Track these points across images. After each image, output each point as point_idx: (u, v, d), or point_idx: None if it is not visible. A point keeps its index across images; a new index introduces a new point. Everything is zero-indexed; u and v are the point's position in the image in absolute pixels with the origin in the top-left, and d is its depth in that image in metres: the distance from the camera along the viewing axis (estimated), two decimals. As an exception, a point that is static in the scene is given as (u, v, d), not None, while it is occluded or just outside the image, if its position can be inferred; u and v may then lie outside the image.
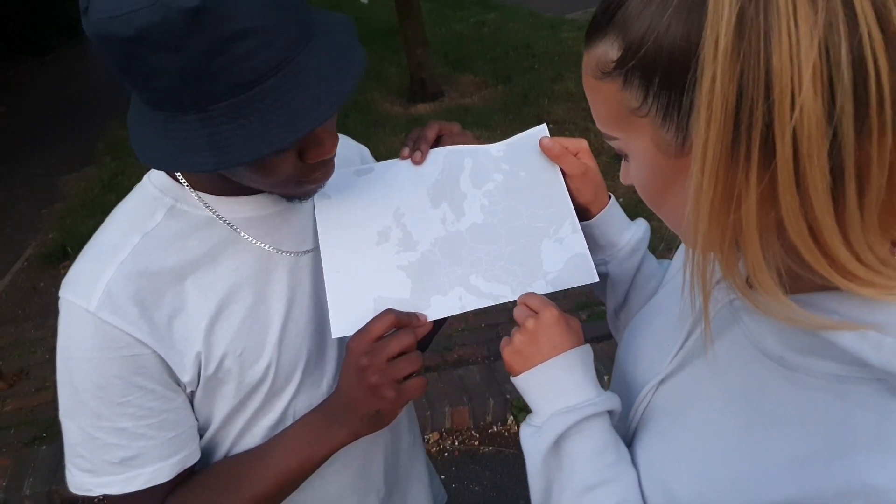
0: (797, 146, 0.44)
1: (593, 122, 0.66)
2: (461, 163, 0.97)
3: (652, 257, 1.04)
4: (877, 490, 0.48)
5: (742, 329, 0.65)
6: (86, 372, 0.79)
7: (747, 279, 0.54)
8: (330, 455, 0.90)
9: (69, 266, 0.85)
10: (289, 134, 0.68)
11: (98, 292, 0.78)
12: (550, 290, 0.94)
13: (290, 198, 0.88)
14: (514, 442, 2.79)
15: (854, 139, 0.45)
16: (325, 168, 0.82)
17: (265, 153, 0.68)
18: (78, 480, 0.83)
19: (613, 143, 0.61)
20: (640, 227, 1.02)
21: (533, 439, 0.78)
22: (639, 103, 0.54)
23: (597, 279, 0.96)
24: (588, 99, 0.62)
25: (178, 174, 0.85)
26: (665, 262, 1.04)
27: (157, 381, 0.81)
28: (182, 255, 0.83)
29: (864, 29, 0.43)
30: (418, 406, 2.81)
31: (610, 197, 1.01)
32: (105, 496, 0.82)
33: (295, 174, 0.79)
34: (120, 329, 0.78)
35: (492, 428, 2.87)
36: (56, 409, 0.84)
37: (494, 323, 3.38)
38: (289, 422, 0.92)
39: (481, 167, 0.98)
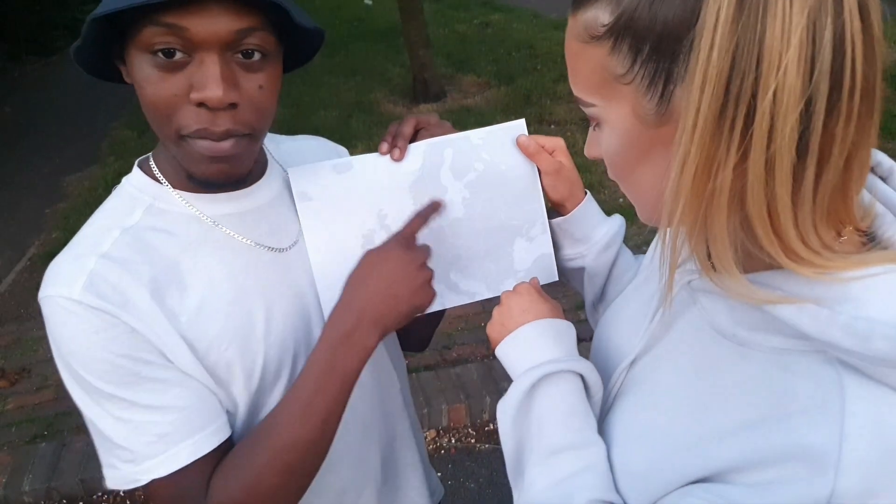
0: (773, 119, 0.46)
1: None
2: (441, 155, 0.97)
3: (627, 251, 1.05)
4: (812, 449, 0.51)
5: (698, 310, 0.67)
6: (90, 360, 0.77)
7: (708, 256, 0.56)
8: (358, 371, 0.85)
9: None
10: None
11: (81, 281, 0.77)
12: None
13: (190, 177, 0.84)
14: None
15: (823, 120, 0.47)
16: (209, 119, 0.76)
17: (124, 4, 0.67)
18: (121, 474, 0.81)
19: (589, 110, 0.62)
20: (616, 222, 1.03)
21: (503, 400, 0.80)
22: (625, 70, 0.55)
23: (556, 279, 1.03)
24: (568, 64, 0.62)
25: (158, 174, 0.86)
26: (641, 255, 1.05)
27: (163, 357, 0.80)
28: (162, 250, 0.84)
29: (847, 15, 0.45)
30: (414, 404, 2.78)
31: (586, 193, 1.02)
32: (152, 488, 0.79)
33: (174, 108, 0.75)
34: (109, 313, 0.77)
35: (488, 426, 2.87)
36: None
37: None
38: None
39: (462, 157, 0.98)
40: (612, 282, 1.03)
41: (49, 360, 3.49)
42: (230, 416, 0.88)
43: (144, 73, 0.74)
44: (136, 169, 0.89)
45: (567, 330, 0.85)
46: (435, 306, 0.97)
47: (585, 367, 0.79)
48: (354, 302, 0.85)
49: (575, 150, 4.16)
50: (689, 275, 0.69)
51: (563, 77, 6.54)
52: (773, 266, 0.55)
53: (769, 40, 0.45)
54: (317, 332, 0.96)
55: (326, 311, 0.93)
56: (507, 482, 0.81)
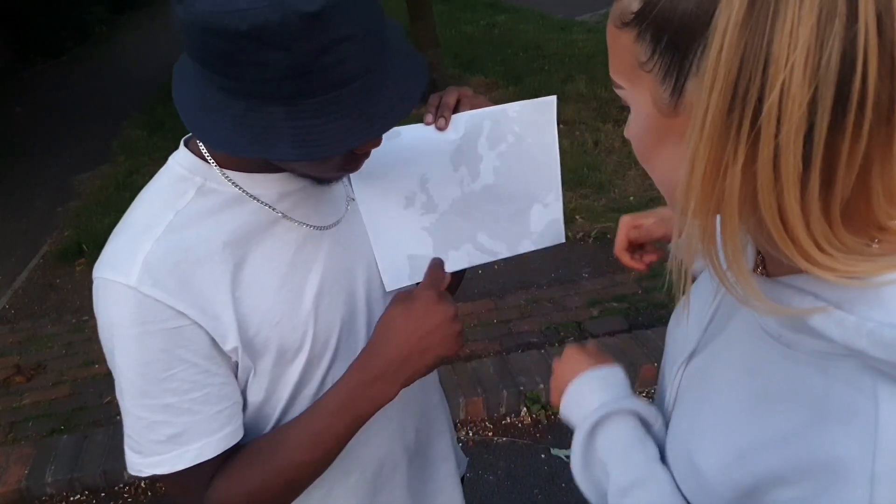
0: (779, 125, 0.46)
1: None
2: (481, 126, 1.03)
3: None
4: (846, 461, 0.50)
5: (750, 310, 0.66)
6: (130, 349, 0.80)
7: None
8: (371, 415, 0.89)
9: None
10: (370, 131, 0.74)
11: (137, 267, 0.79)
12: (533, 248, 1.11)
13: (320, 181, 0.91)
14: (528, 433, 2.81)
15: (826, 133, 0.46)
16: (366, 156, 0.87)
17: (349, 148, 0.73)
18: (129, 462, 0.86)
19: (620, 93, 0.63)
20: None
21: (571, 457, 0.85)
22: (646, 58, 0.56)
23: (563, 241, 1.13)
24: (608, 46, 0.64)
25: (206, 154, 0.87)
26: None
27: (201, 353, 0.83)
28: (215, 229, 0.85)
29: (861, 28, 0.43)
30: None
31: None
32: (155, 478, 0.83)
33: (340, 162, 0.83)
34: (161, 302, 0.79)
35: (505, 419, 2.88)
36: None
37: (506, 319, 3.39)
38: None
39: (497, 128, 1.04)
40: None
41: (64, 357, 3.52)
42: (250, 391, 0.92)
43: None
44: (182, 148, 0.89)
45: (613, 375, 0.89)
46: (463, 264, 1.08)
47: (637, 404, 0.82)
48: (385, 350, 0.88)
49: (584, 148, 4.18)
50: None
51: (571, 77, 6.62)
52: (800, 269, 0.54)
53: (777, 45, 0.45)
54: (361, 309, 0.99)
55: (381, 264, 1.03)
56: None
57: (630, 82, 0.60)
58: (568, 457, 2.65)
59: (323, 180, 0.92)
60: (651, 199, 4.48)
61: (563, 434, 2.78)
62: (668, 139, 0.59)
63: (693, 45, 0.51)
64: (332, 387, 0.90)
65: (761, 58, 0.45)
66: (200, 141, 0.78)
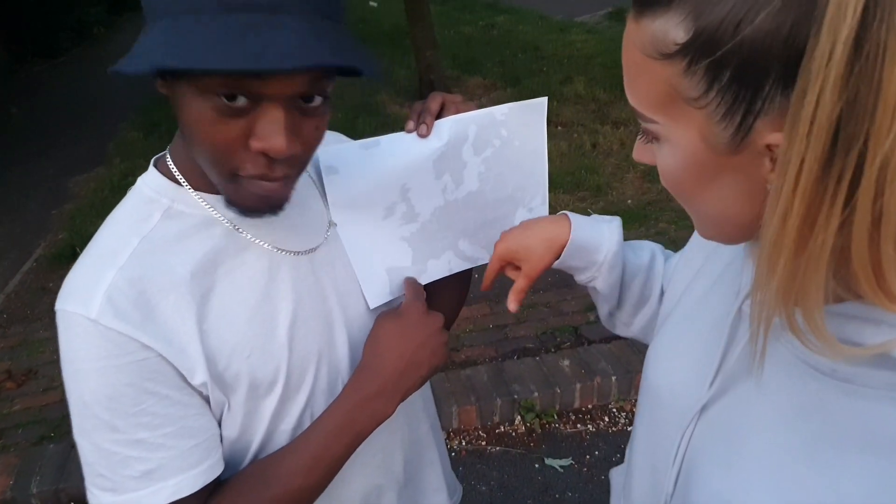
0: (885, 173, 0.41)
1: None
2: (465, 132, 0.99)
3: (630, 250, 1.01)
4: None
5: (786, 346, 0.60)
6: (95, 384, 0.75)
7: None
8: (371, 433, 0.89)
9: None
10: (244, 55, 0.62)
11: (98, 299, 0.75)
12: None
13: (231, 203, 0.79)
14: (522, 442, 2.78)
15: None
16: (267, 166, 0.74)
17: (222, 66, 0.62)
18: (101, 501, 0.80)
19: (648, 126, 0.56)
20: (612, 237, 0.96)
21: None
22: (698, 94, 0.49)
23: None
24: (626, 73, 0.56)
25: (177, 173, 0.82)
26: (639, 243, 1.03)
27: (170, 385, 0.78)
28: (182, 256, 0.81)
29: None
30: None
31: (569, 221, 0.95)
32: None
33: (232, 152, 0.72)
34: (125, 334, 0.75)
35: (499, 428, 2.85)
36: (64, 409, 0.82)
37: (502, 324, 3.37)
38: (307, 424, 0.90)
39: (484, 133, 1.00)
40: (625, 288, 1.01)
41: (56, 362, 3.46)
42: (231, 424, 0.87)
43: (199, 110, 0.70)
44: (151, 168, 0.85)
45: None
46: (442, 272, 1.06)
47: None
48: (380, 366, 0.89)
49: (582, 150, 4.16)
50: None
51: (570, 79, 6.62)
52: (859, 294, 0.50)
53: (886, 90, 0.39)
54: (339, 336, 0.94)
55: (362, 280, 0.98)
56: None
57: (670, 118, 0.53)
58: (562, 467, 2.66)
59: (232, 203, 0.80)
60: (649, 202, 4.46)
61: (558, 444, 2.75)
62: (721, 177, 0.53)
63: (766, 81, 0.45)
64: (327, 409, 0.88)
65: (869, 104, 0.40)
66: (121, 70, 0.69)
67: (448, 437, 2.81)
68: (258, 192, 0.76)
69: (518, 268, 0.99)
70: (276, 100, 0.70)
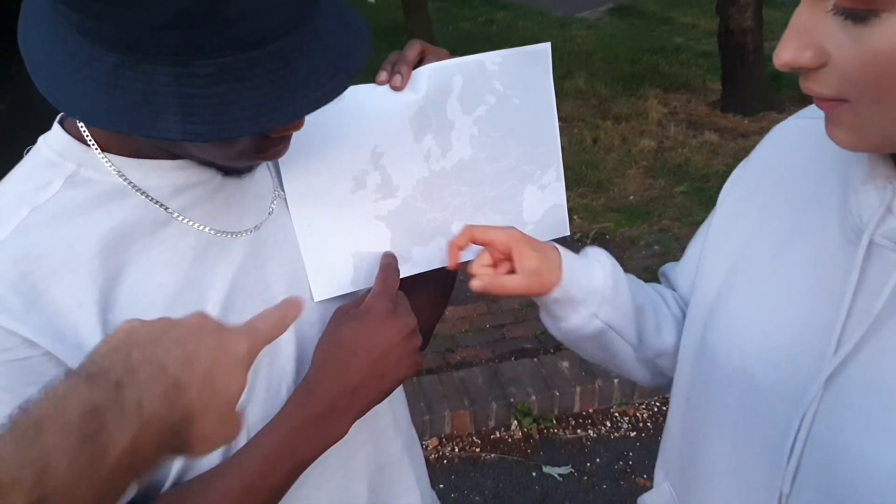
0: None
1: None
2: (449, 82, 0.83)
3: (633, 282, 0.90)
4: None
5: None
6: None
7: None
8: (315, 459, 0.75)
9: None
10: (287, 111, 0.59)
11: None
12: None
13: (227, 171, 0.73)
14: (518, 449, 2.73)
15: None
16: (286, 142, 0.71)
17: (258, 131, 0.59)
18: None
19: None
20: (602, 254, 0.86)
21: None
22: None
23: (568, 232, 0.94)
24: None
25: (86, 132, 0.69)
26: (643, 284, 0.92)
27: None
28: (84, 231, 0.67)
29: None
30: (415, 410, 2.71)
31: (557, 249, 0.84)
32: None
33: (251, 148, 0.67)
34: (2, 327, 0.61)
35: (494, 434, 2.79)
36: None
37: (500, 324, 3.29)
38: (243, 440, 0.75)
39: (473, 86, 0.85)
40: (640, 320, 0.87)
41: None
42: None
43: (214, 147, 0.66)
44: (56, 126, 0.71)
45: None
46: (433, 263, 0.90)
47: None
48: (331, 380, 0.75)
49: (582, 146, 4.06)
50: None
51: (570, 74, 6.56)
52: None
53: None
54: (286, 335, 0.79)
55: (309, 267, 0.82)
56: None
57: None
58: (561, 475, 2.62)
59: (231, 170, 0.73)
60: (651, 198, 4.44)
61: (557, 450, 2.70)
62: None
63: None
64: (264, 429, 0.73)
65: None
66: (54, 104, 0.60)
67: (440, 444, 2.75)
68: (265, 160, 0.73)
69: (511, 269, 0.83)
70: None
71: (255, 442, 0.72)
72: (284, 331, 0.64)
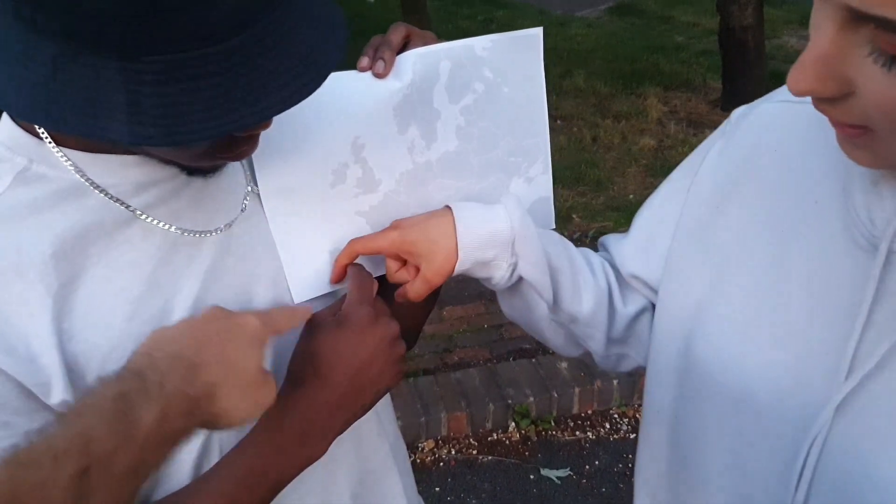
0: None
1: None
2: (436, 69, 0.79)
3: (558, 242, 0.84)
4: None
5: None
6: None
7: None
8: (294, 478, 0.71)
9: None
10: (251, 111, 0.54)
11: None
12: None
13: (191, 171, 0.69)
14: (516, 451, 2.72)
15: None
16: (253, 141, 0.66)
17: (219, 135, 0.54)
18: None
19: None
20: (511, 203, 0.80)
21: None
22: None
23: (553, 226, 0.90)
24: None
25: (38, 126, 0.64)
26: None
27: (9, 410, 0.59)
28: (35, 232, 0.62)
29: None
30: (411, 411, 2.70)
31: (450, 213, 0.78)
32: None
33: (214, 148, 0.63)
34: None
35: (491, 436, 2.78)
36: None
37: (498, 324, 3.27)
38: (214, 457, 0.70)
39: (461, 73, 0.81)
40: (557, 279, 0.81)
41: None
42: None
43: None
44: (4, 117, 0.66)
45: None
46: None
47: None
48: (305, 402, 0.71)
49: (582, 144, 4.02)
50: None
51: (570, 72, 6.54)
52: None
53: None
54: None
55: (287, 267, 0.78)
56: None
57: None
58: (559, 478, 2.59)
59: (194, 170, 0.68)
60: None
61: (555, 453, 2.68)
62: None
63: None
64: (237, 448, 0.69)
65: None
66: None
67: (436, 446, 2.74)
68: (230, 160, 0.69)
69: (415, 267, 0.79)
70: None
71: (227, 461, 0.68)
72: (294, 325, 0.69)
